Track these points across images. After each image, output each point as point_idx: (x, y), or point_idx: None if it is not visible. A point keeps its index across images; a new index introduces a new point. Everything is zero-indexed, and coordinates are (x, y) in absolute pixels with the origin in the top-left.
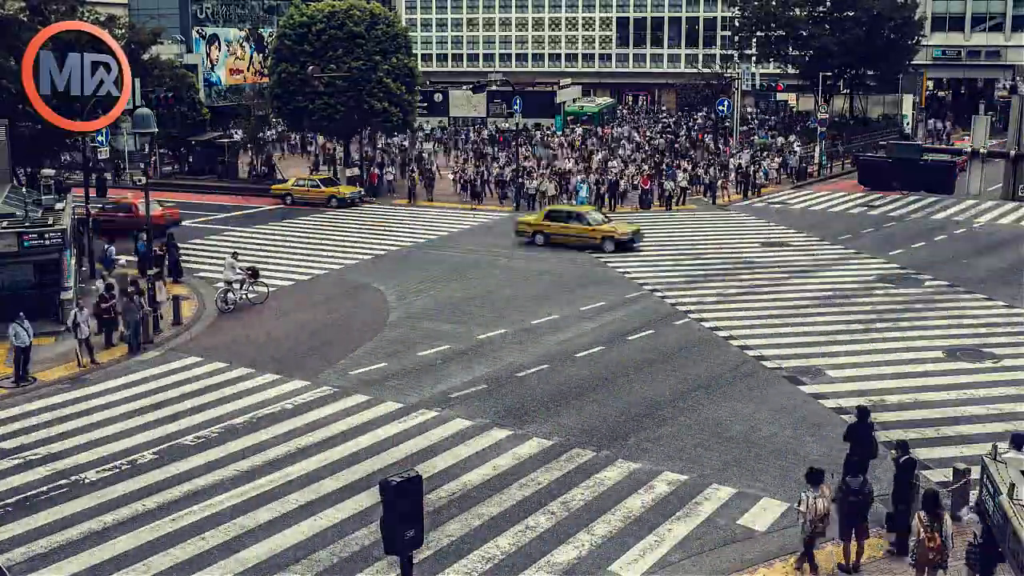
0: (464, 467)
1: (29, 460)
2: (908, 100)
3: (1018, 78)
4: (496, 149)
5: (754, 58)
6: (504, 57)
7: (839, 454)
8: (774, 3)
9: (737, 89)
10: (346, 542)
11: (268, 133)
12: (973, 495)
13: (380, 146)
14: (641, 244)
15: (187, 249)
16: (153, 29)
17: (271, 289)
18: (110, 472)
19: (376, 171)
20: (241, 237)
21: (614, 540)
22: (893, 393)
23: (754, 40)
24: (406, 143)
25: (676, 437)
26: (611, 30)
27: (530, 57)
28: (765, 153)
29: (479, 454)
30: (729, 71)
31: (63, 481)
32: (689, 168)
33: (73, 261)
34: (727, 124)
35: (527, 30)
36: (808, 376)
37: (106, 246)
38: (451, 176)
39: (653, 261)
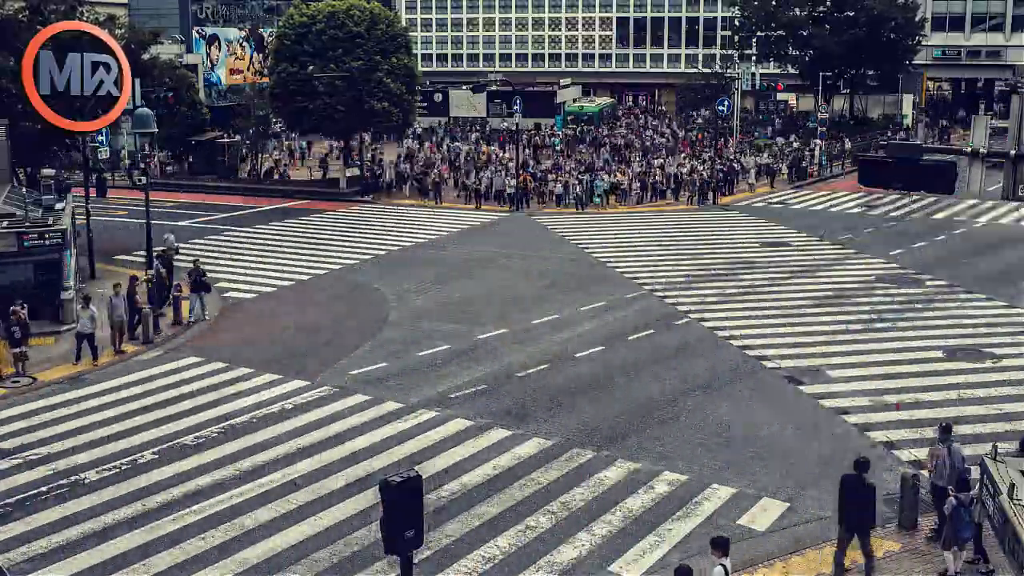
0: (464, 467)
1: (29, 460)
2: (908, 100)
3: (1018, 78)
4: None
5: (754, 58)
6: (504, 57)
7: (839, 454)
8: (774, 3)
9: (737, 89)
10: (346, 542)
11: (270, 141)
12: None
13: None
14: (639, 243)
15: (187, 249)
16: (153, 29)
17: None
18: (110, 472)
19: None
20: (241, 237)
21: (614, 540)
22: (893, 393)
23: (754, 40)
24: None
25: (676, 437)
26: (611, 30)
27: (530, 57)
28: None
29: (479, 454)
30: (729, 71)
31: (63, 481)
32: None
33: (73, 261)
34: (727, 124)
35: (527, 30)
36: (808, 376)
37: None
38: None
39: (653, 261)
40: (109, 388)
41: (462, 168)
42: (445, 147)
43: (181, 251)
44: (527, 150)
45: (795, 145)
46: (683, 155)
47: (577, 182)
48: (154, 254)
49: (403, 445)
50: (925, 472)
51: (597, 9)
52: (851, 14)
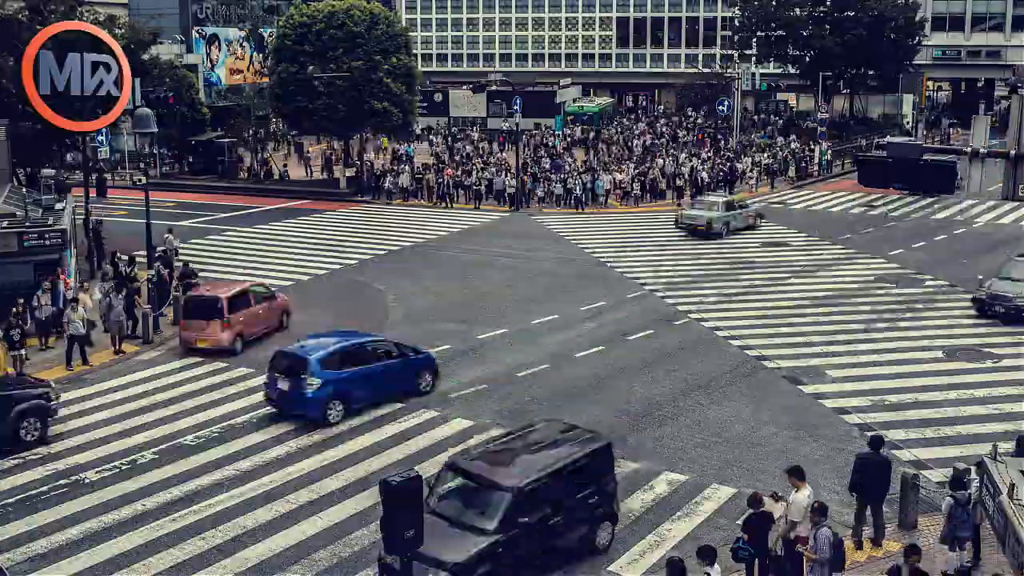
0: None
1: (29, 460)
2: (908, 100)
3: (1018, 78)
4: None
5: (754, 58)
6: (504, 57)
7: (838, 455)
8: (774, 3)
9: (737, 89)
10: (346, 542)
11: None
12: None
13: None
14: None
15: (187, 249)
16: (153, 29)
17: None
18: (110, 472)
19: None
20: (241, 237)
21: (614, 540)
22: (893, 393)
23: (754, 40)
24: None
25: (676, 437)
26: (611, 30)
27: (530, 57)
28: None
29: None
30: (729, 71)
31: (63, 481)
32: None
33: (73, 261)
34: (728, 124)
35: (527, 30)
36: (808, 376)
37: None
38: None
39: (653, 261)
40: (109, 388)
41: (462, 168)
42: (446, 148)
43: (180, 251)
44: (527, 149)
45: (793, 145)
46: (702, 151)
47: (577, 182)
48: (155, 254)
49: (403, 445)
50: (926, 472)
51: (597, 9)
52: (851, 14)
